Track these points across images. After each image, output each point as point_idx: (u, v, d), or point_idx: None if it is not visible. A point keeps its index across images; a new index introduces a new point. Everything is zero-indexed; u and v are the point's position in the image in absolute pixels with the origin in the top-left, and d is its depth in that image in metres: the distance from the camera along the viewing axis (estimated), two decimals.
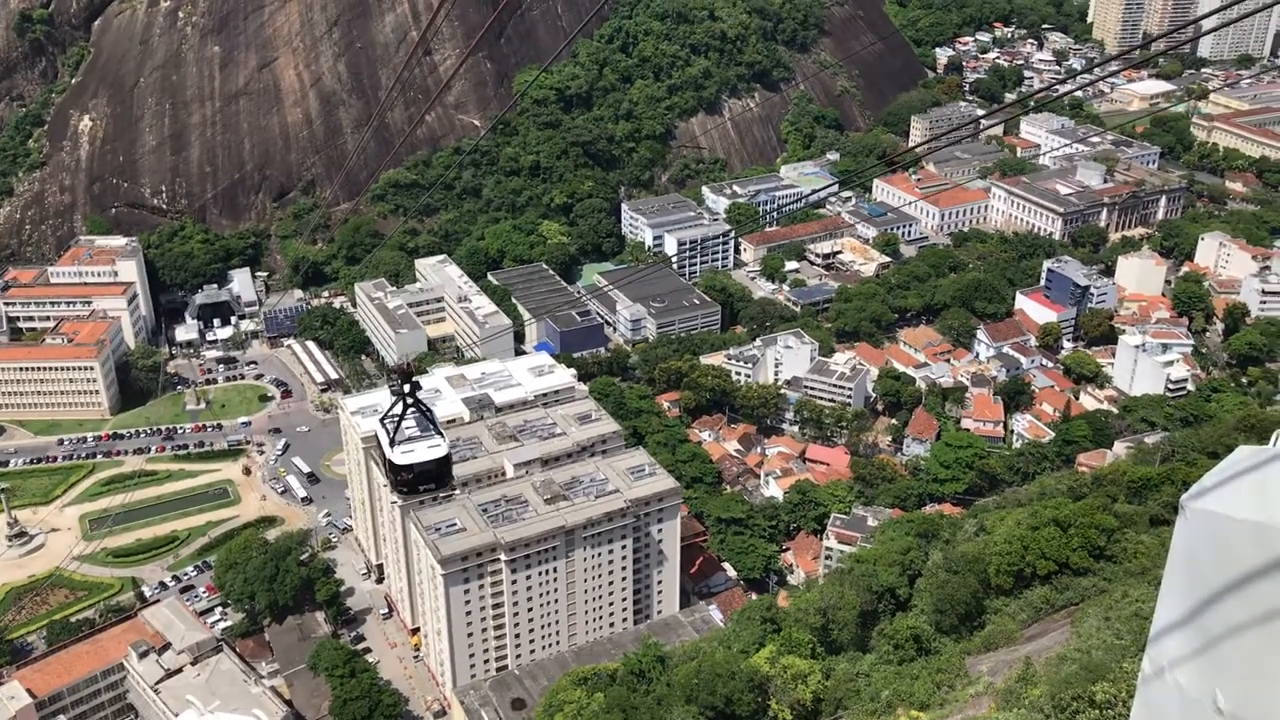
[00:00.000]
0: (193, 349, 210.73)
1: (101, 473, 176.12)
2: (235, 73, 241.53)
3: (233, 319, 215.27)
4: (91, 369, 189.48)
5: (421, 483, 40.72)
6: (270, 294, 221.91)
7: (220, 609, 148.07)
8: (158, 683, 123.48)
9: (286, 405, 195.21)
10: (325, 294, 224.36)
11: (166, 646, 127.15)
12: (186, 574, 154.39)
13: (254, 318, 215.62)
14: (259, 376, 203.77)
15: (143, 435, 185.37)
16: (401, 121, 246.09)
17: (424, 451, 39.98)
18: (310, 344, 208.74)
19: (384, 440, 41.27)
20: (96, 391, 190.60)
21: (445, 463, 40.66)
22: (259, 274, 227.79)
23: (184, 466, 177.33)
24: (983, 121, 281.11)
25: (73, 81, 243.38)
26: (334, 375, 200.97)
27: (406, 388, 40.02)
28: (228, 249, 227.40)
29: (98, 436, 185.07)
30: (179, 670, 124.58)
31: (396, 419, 40.53)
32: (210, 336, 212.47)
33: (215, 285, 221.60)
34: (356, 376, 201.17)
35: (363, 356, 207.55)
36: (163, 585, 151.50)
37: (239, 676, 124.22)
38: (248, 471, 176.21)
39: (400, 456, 39.86)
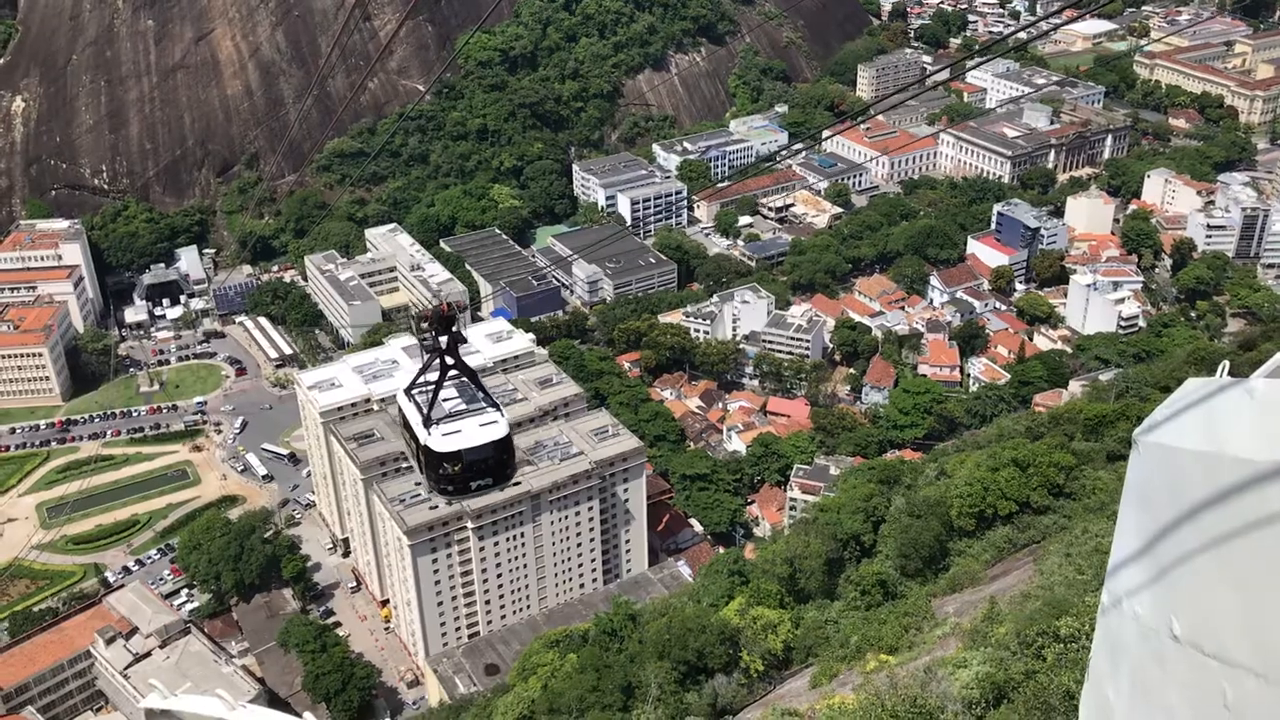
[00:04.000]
0: (143, 330, 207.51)
1: (56, 460, 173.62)
2: (171, 46, 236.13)
3: (182, 298, 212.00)
4: (40, 355, 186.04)
5: (474, 476, 28.58)
6: (219, 271, 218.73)
7: (186, 591, 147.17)
8: (126, 668, 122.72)
9: (237, 383, 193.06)
10: (275, 268, 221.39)
11: (134, 631, 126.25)
12: (150, 557, 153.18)
13: (203, 296, 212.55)
14: (211, 355, 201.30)
15: (97, 420, 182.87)
16: (343, 89, 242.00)
17: (475, 433, 27.89)
18: (262, 320, 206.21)
19: (414, 419, 29.06)
20: (47, 378, 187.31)
21: (505, 446, 28.72)
22: (206, 251, 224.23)
23: (141, 449, 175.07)
24: (936, 71, 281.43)
25: (1, 62, 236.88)
26: (288, 351, 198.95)
27: (444, 340, 28.02)
28: (173, 227, 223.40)
29: (50, 423, 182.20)
30: (148, 654, 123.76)
31: (432, 388, 28.60)
32: (159, 314, 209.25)
33: (162, 265, 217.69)
34: (311, 351, 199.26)
35: (316, 330, 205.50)
36: (126, 570, 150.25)
37: (209, 657, 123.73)
38: (198, 449, 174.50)
39: (442, 441, 27.99)
